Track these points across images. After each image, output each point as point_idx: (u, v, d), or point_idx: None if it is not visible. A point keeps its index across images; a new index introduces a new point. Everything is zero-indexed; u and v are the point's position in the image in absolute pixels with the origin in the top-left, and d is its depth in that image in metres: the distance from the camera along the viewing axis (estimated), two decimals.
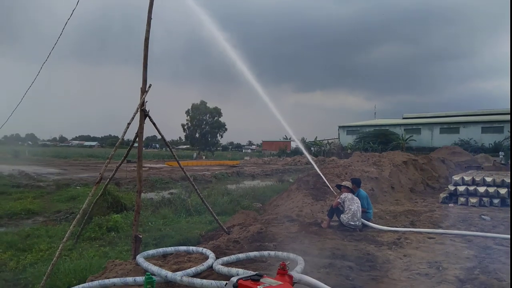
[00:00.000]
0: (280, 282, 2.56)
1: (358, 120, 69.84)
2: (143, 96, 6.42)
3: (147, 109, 6.51)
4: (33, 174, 23.87)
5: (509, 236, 6.80)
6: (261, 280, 2.52)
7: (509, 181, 11.55)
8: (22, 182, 19.52)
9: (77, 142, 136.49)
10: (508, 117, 37.42)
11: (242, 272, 4.46)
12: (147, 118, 6.59)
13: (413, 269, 5.25)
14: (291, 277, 2.90)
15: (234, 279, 2.56)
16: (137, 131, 6.58)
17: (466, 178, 12.41)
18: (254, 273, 2.66)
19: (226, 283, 2.66)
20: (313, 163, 11.42)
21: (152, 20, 6.37)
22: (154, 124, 6.73)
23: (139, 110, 6.41)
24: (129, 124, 6.34)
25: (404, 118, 64.82)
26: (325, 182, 12.54)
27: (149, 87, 6.43)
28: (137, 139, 6.72)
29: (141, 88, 6.42)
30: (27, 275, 6.29)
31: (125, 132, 6.39)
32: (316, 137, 65.58)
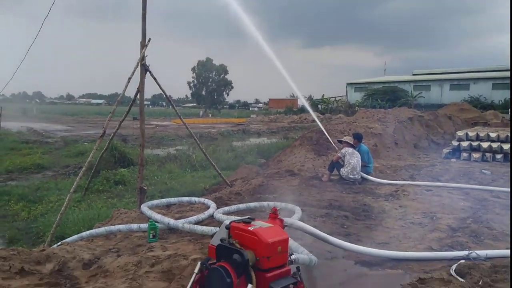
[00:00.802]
0: (270, 225, 2.70)
1: (367, 77, 68.63)
2: (143, 50, 6.39)
3: (147, 63, 6.50)
4: (41, 131, 24.25)
5: (508, 189, 6.89)
6: (252, 222, 2.66)
7: None
8: (31, 139, 19.89)
9: (84, 100, 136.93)
10: None
11: None
12: (148, 73, 6.60)
13: (407, 219, 5.42)
14: (282, 221, 3.05)
15: (227, 222, 2.70)
16: (138, 86, 6.61)
17: (470, 134, 12.39)
18: (246, 217, 2.80)
19: (220, 226, 2.81)
20: (315, 117, 11.46)
21: None
22: (154, 78, 6.75)
23: (139, 65, 6.40)
24: (129, 78, 6.36)
25: (414, 75, 63.52)
26: (328, 138, 12.65)
27: (149, 41, 6.38)
28: (138, 95, 6.77)
29: (140, 42, 6.38)
30: (38, 224, 6.62)
31: (126, 87, 6.43)
32: (323, 94, 64.84)
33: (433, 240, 4.52)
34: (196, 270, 2.62)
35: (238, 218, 4.56)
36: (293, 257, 2.86)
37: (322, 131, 13.63)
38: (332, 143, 10.45)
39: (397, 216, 5.59)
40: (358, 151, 8.30)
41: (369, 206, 6.08)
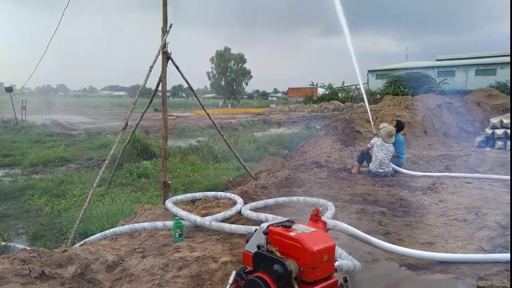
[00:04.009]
0: (314, 229, 2.38)
1: (388, 64, 66.87)
2: (165, 37, 6.11)
3: (169, 51, 6.23)
4: (65, 123, 24.53)
5: None
6: (293, 226, 2.35)
7: None
8: (55, 131, 20.11)
9: (106, 92, 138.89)
10: None
11: (271, 217, 4.36)
12: (170, 61, 6.33)
13: (450, 215, 5.01)
14: (324, 223, 2.72)
15: (264, 225, 2.40)
16: (160, 75, 6.36)
17: (505, 121, 11.70)
18: (285, 219, 2.49)
19: (256, 229, 2.51)
20: (368, 108, 10.91)
21: None
22: (177, 67, 6.47)
23: (160, 52, 6.13)
24: (151, 67, 6.11)
25: (437, 60, 61.51)
26: (354, 127, 12.19)
27: (170, 26, 6.10)
28: (160, 84, 6.52)
29: (161, 28, 6.10)
30: (61, 220, 6.50)
31: (147, 77, 6.19)
32: (343, 82, 63.59)
33: (483, 239, 4.12)
34: (230, 281, 2.34)
35: (272, 218, 4.30)
36: (336, 263, 2.54)
37: (347, 120, 13.20)
38: (376, 130, 9.80)
39: (438, 212, 5.18)
40: (394, 139, 7.81)
41: (406, 200, 5.68)
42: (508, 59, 49.27)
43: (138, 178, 9.73)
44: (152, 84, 6.66)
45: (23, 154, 13.33)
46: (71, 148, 14.84)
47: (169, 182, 6.38)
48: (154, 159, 11.80)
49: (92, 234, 4.97)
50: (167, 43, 6.14)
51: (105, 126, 22.91)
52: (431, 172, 7.82)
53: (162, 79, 6.35)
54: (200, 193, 6.28)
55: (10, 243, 5.71)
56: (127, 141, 7.97)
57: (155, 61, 6.08)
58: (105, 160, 11.53)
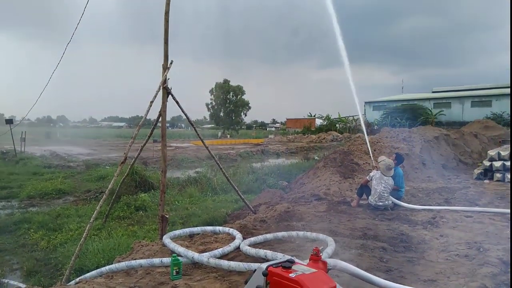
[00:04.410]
0: (314, 270, 2.35)
1: (385, 96, 67.88)
2: (165, 73, 6.23)
3: (169, 86, 6.34)
4: (64, 154, 24.54)
5: None
6: (292, 267, 2.32)
7: None
8: (54, 163, 20.08)
9: (106, 123, 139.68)
10: None
11: (271, 254, 4.29)
12: (170, 96, 6.43)
13: (451, 250, 4.94)
14: (325, 263, 2.69)
15: (263, 266, 2.37)
16: (160, 109, 6.44)
17: (503, 153, 11.76)
18: (285, 259, 2.46)
19: (255, 270, 2.47)
20: (367, 140, 10.98)
21: None
22: (177, 102, 6.57)
23: (161, 88, 6.24)
24: (151, 102, 6.20)
25: (433, 92, 62.48)
26: (353, 159, 12.21)
27: (171, 63, 6.23)
28: (160, 118, 6.59)
29: (162, 64, 6.23)
30: (57, 255, 6.39)
31: (148, 111, 6.27)
32: (339, 113, 64.35)
33: (486, 276, 4.05)
34: None
35: (271, 254, 4.24)
36: None
37: (346, 151, 13.24)
38: (373, 160, 9.80)
39: (439, 247, 5.12)
40: (394, 173, 7.80)
41: (407, 235, 5.62)
42: (503, 91, 50.10)
43: (135, 211, 9.64)
44: (151, 115, 6.73)
45: (21, 186, 13.27)
46: (69, 180, 14.77)
47: (167, 216, 6.32)
48: (152, 191, 11.74)
49: (88, 271, 4.88)
50: (168, 79, 6.26)
51: (104, 157, 22.90)
52: (431, 205, 7.77)
53: (162, 113, 6.43)
54: (198, 227, 6.21)
55: (4, 280, 5.58)
56: (125, 174, 7.96)
57: (155, 96, 6.18)
58: (102, 192, 11.53)
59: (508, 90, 49.94)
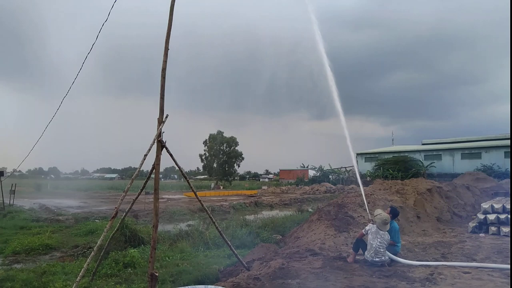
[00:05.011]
0: None
1: (376, 147, 68.92)
2: (160, 127, 6.31)
3: (164, 140, 6.39)
4: (53, 207, 24.01)
5: None
6: None
7: None
8: (42, 216, 19.58)
9: (98, 174, 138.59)
10: None
11: None
12: (164, 149, 6.47)
13: None
14: None
15: None
16: (154, 162, 6.44)
17: (496, 206, 11.75)
18: None
19: None
20: (363, 192, 10.99)
21: (169, 50, 6.35)
22: (171, 155, 6.59)
23: (156, 141, 6.29)
24: (145, 155, 6.22)
25: (423, 144, 63.61)
26: (347, 212, 12.09)
27: (166, 117, 6.34)
28: (154, 171, 6.57)
29: (158, 118, 6.33)
30: None
31: (141, 164, 6.27)
32: (329, 164, 64.87)
33: None
34: None
35: None
36: None
37: (340, 204, 13.15)
38: (370, 215, 9.71)
39: None
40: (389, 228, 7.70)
41: None
42: (492, 143, 51.17)
43: (124, 268, 9.26)
44: (144, 167, 6.71)
45: (6, 241, 12.80)
46: (56, 235, 14.32)
47: (157, 274, 6.09)
48: (142, 246, 11.38)
49: None
50: (163, 132, 6.33)
51: (94, 211, 22.43)
52: (428, 260, 7.63)
53: (156, 166, 6.42)
54: (189, 287, 5.97)
55: None
56: (115, 229, 7.77)
57: (149, 150, 6.21)
58: (91, 247, 11.17)
59: (496, 142, 51.13)
